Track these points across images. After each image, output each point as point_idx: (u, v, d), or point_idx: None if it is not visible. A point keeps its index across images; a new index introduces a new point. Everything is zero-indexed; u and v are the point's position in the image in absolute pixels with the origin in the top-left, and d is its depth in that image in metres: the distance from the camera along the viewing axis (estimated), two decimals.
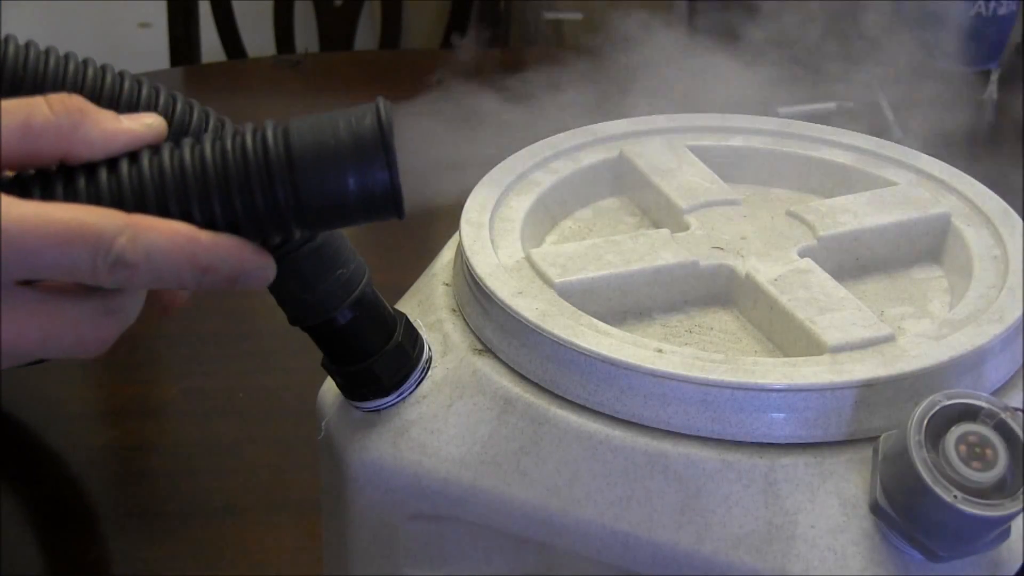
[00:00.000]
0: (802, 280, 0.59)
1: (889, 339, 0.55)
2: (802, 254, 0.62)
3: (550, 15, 2.45)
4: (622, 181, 0.70)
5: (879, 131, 1.09)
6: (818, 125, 0.72)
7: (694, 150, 0.70)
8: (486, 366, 0.57)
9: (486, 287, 0.57)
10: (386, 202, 0.45)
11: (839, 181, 0.69)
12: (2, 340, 0.41)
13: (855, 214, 0.64)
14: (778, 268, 0.60)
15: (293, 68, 1.44)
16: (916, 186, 0.67)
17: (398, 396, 0.58)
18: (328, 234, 0.53)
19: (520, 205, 0.65)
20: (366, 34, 2.19)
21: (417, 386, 0.58)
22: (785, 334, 0.57)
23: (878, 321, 0.56)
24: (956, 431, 0.47)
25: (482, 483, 0.55)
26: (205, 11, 1.76)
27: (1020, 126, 1.06)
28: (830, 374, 0.52)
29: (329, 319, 0.55)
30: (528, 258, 0.60)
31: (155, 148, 0.45)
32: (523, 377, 0.56)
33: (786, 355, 0.57)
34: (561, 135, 0.70)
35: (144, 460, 0.87)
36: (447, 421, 0.56)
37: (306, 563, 0.76)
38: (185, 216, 0.44)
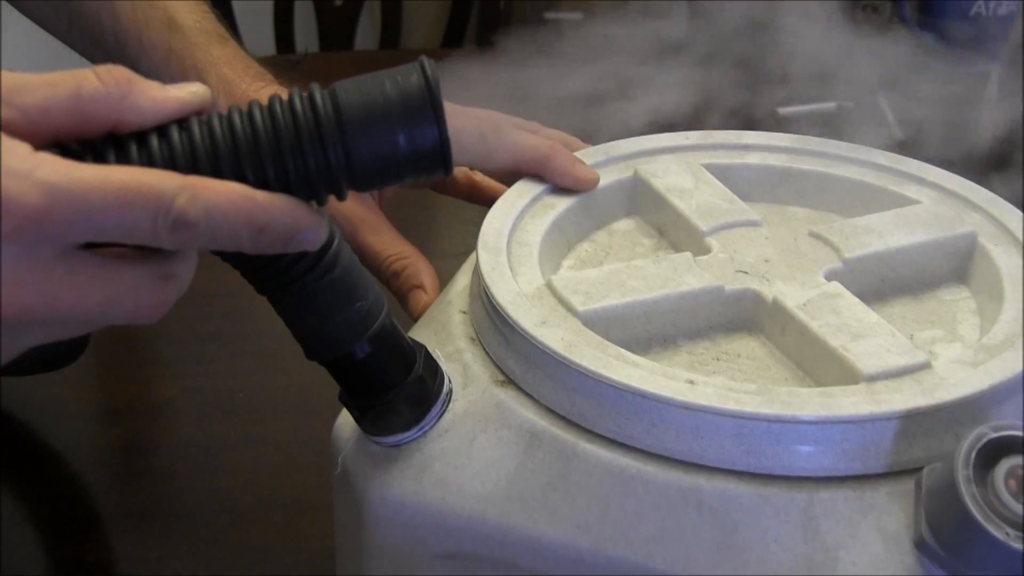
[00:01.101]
0: (832, 305, 0.59)
1: (925, 366, 0.55)
2: (828, 277, 0.62)
3: (550, 15, 2.46)
4: (637, 201, 0.70)
5: (879, 131, 1.11)
6: (835, 141, 0.73)
7: (709, 168, 0.71)
8: (510, 398, 0.57)
9: (508, 317, 0.58)
10: (435, 157, 0.46)
11: (858, 199, 0.70)
12: (65, 304, 0.41)
13: (880, 234, 0.65)
14: (806, 292, 0.60)
15: (293, 68, 1.46)
16: (939, 204, 0.67)
17: (419, 430, 0.57)
18: (346, 266, 0.53)
19: (536, 229, 0.65)
20: (366, 34, 2.20)
21: (438, 420, 0.58)
22: (817, 362, 0.58)
23: (913, 348, 0.56)
24: (1005, 464, 0.48)
25: (509, 520, 0.55)
26: None
27: (1020, 126, 1.08)
28: (869, 405, 0.53)
29: (347, 353, 0.55)
30: (549, 285, 0.60)
31: (205, 115, 0.45)
32: (549, 410, 0.56)
33: (818, 383, 0.58)
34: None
35: (144, 460, 0.88)
36: (471, 456, 0.56)
37: (306, 563, 0.76)
38: (238, 179, 0.45)
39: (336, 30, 1.84)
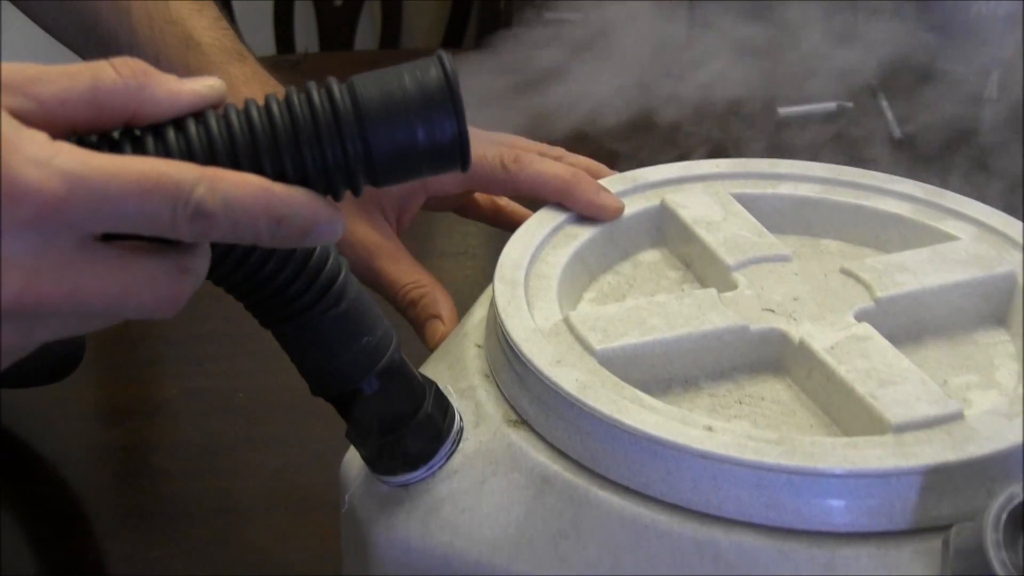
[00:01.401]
0: (861, 348, 0.57)
1: (957, 417, 0.53)
2: (859, 317, 0.60)
3: (550, 15, 2.45)
4: (664, 232, 0.68)
5: (879, 131, 1.10)
6: (871, 172, 0.70)
7: (739, 198, 0.69)
8: (521, 439, 0.56)
9: (522, 354, 0.56)
10: (453, 152, 0.46)
11: (894, 233, 0.68)
12: (83, 294, 0.41)
13: (914, 273, 0.62)
14: (834, 334, 0.58)
15: (293, 68, 1.46)
16: (978, 241, 0.65)
17: (427, 470, 0.56)
18: (353, 299, 0.52)
19: (556, 260, 0.63)
20: (366, 34, 2.21)
21: (447, 460, 0.56)
22: (844, 408, 0.56)
23: (944, 396, 0.54)
24: None
25: (517, 568, 0.53)
26: None
27: (1021, 126, 1.06)
28: (895, 458, 0.51)
29: (353, 390, 0.54)
30: (567, 321, 0.58)
31: (222, 109, 0.45)
32: (562, 453, 0.54)
33: (844, 431, 0.56)
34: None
35: (144, 460, 0.88)
36: (480, 499, 0.55)
37: (306, 563, 0.76)
38: (256, 171, 0.44)
39: (336, 30, 1.85)
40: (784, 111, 1.16)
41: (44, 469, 0.82)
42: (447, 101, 0.45)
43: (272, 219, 0.43)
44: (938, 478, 0.50)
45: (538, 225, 0.65)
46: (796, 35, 1.02)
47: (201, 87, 0.45)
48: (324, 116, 0.45)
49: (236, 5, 1.81)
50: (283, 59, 1.59)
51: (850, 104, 1.17)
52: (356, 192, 0.47)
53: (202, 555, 0.77)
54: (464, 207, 0.77)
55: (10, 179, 0.39)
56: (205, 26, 0.74)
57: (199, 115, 0.45)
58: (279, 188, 0.44)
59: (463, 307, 0.70)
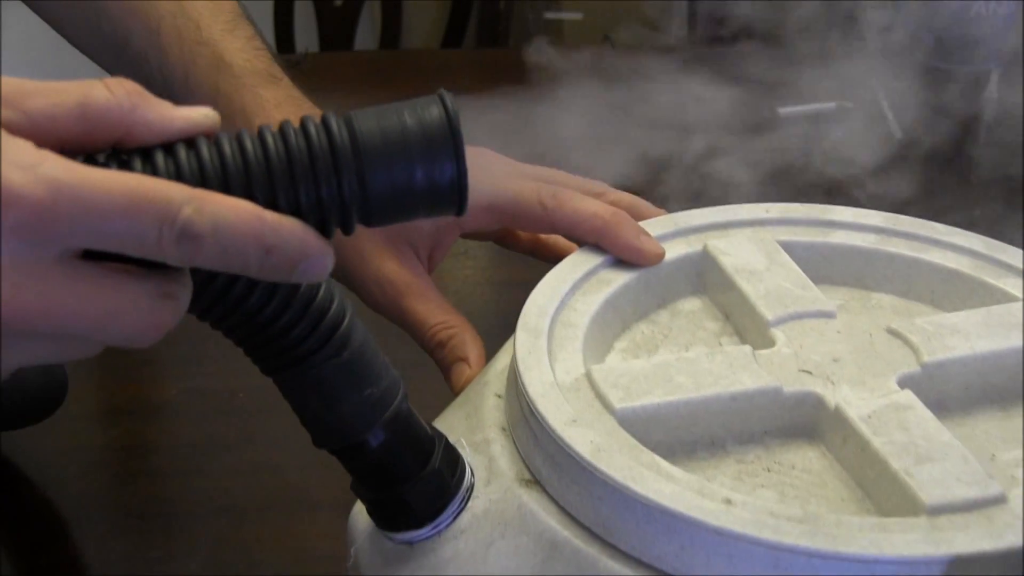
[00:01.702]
0: (900, 419, 0.54)
1: (998, 500, 0.50)
2: (902, 383, 0.57)
3: (550, 15, 2.45)
4: (705, 279, 0.65)
5: (879, 131, 1.07)
6: (930, 222, 0.67)
7: (787, 246, 0.65)
8: (533, 500, 0.53)
9: (537, 411, 0.53)
10: (451, 195, 0.45)
11: (950, 289, 0.64)
12: (64, 311, 0.40)
13: (967, 336, 0.59)
14: (873, 401, 0.55)
15: (293, 68, 1.47)
16: None
17: (433, 528, 0.54)
18: (357, 348, 0.50)
19: (586, 308, 0.61)
20: (366, 34, 2.22)
21: (455, 518, 0.54)
22: (877, 483, 0.52)
23: (987, 476, 0.51)
24: None
25: None
26: None
27: (1020, 126, 1.03)
28: (925, 544, 0.47)
29: (356, 443, 0.52)
30: (588, 376, 0.56)
31: (213, 137, 0.43)
32: (573, 518, 0.52)
33: (877, 507, 0.52)
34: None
35: (144, 460, 0.89)
36: (486, 562, 0.52)
37: (306, 563, 0.75)
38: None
39: (336, 30, 1.86)
40: (784, 111, 1.14)
41: (44, 469, 0.83)
42: (448, 141, 0.44)
43: (262, 247, 0.42)
44: (973, 567, 0.47)
45: (570, 269, 0.62)
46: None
47: (194, 114, 0.44)
48: (321, 150, 0.43)
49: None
50: (283, 59, 1.60)
51: (850, 104, 1.15)
52: (347, 230, 0.45)
53: (202, 555, 0.77)
54: (503, 238, 0.75)
55: None
56: (238, 48, 0.72)
57: (190, 141, 0.43)
58: (270, 216, 0.42)
59: (463, 306, 0.69)
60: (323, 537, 0.75)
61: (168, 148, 0.43)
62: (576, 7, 2.39)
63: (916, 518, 0.49)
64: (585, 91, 1.06)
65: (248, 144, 0.43)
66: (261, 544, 0.77)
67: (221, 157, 0.43)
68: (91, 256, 0.41)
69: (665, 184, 0.96)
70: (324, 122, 0.44)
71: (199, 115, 0.44)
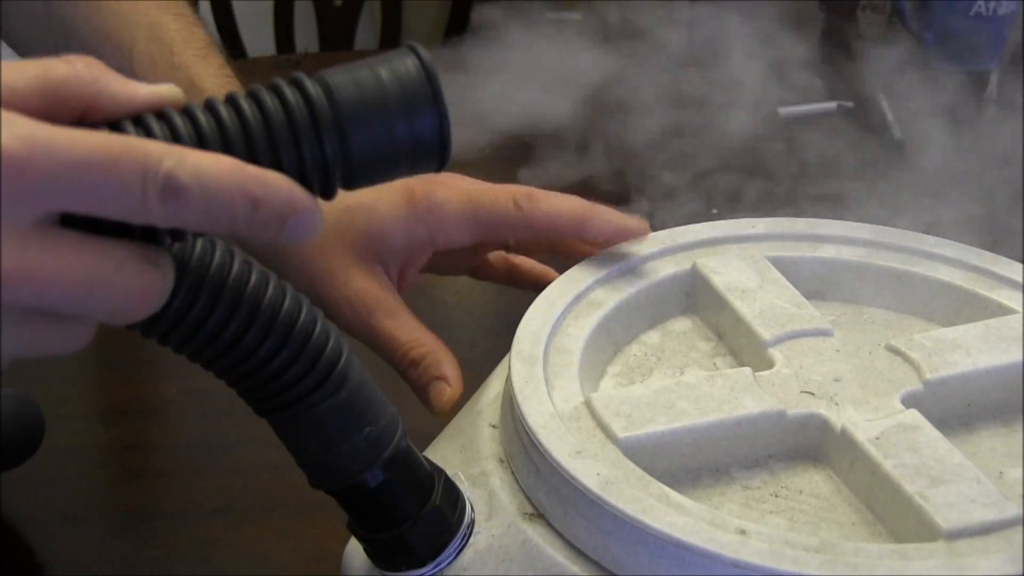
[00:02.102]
0: (909, 440, 0.53)
1: (1016, 522, 0.49)
2: (906, 401, 0.56)
3: (550, 15, 2.45)
4: (696, 299, 0.64)
5: (879, 131, 1.08)
6: (920, 235, 0.66)
7: (777, 262, 0.65)
8: (537, 535, 0.52)
9: (539, 443, 0.52)
10: (433, 145, 0.43)
11: (944, 303, 0.64)
12: (45, 275, 0.38)
13: (967, 351, 0.58)
14: (880, 422, 0.54)
15: (293, 68, 1.46)
16: None
17: (435, 567, 0.52)
18: (354, 387, 0.48)
19: (579, 332, 0.59)
20: (366, 34, 2.22)
21: (457, 555, 0.53)
22: (890, 507, 0.52)
23: (1002, 498, 0.50)
24: None
25: None
26: (205, 11, 1.78)
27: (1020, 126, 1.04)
28: (947, 570, 0.47)
29: (354, 484, 0.50)
30: (588, 405, 0.55)
31: (184, 108, 0.42)
32: (580, 552, 0.50)
33: (890, 531, 0.52)
34: (625, 244, 0.65)
35: (144, 460, 0.89)
36: None
37: (306, 563, 0.76)
38: None
39: (336, 30, 1.85)
40: (784, 111, 1.14)
41: (44, 469, 0.81)
42: (427, 91, 0.43)
43: (248, 199, 0.40)
44: None
45: (559, 293, 0.61)
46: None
47: (161, 88, 0.42)
48: (300, 113, 0.42)
49: (236, 5, 1.82)
50: (283, 59, 1.59)
51: (850, 104, 1.15)
52: (328, 193, 0.43)
53: (202, 555, 0.77)
54: (477, 269, 0.74)
55: None
56: (210, 73, 0.70)
57: (160, 113, 0.41)
58: (253, 168, 0.40)
59: (463, 306, 0.68)
60: (323, 537, 0.74)
61: (137, 119, 0.41)
62: (576, 7, 2.38)
63: (934, 543, 0.48)
64: None
65: (221, 110, 0.41)
66: (261, 544, 0.77)
67: (194, 123, 0.41)
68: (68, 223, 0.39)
69: None
70: (296, 82, 0.42)
71: (165, 89, 0.42)
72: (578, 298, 0.61)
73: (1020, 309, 0.61)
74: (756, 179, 0.94)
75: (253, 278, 0.45)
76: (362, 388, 0.49)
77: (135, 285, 0.40)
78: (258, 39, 1.91)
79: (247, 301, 0.44)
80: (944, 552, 0.48)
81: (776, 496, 0.54)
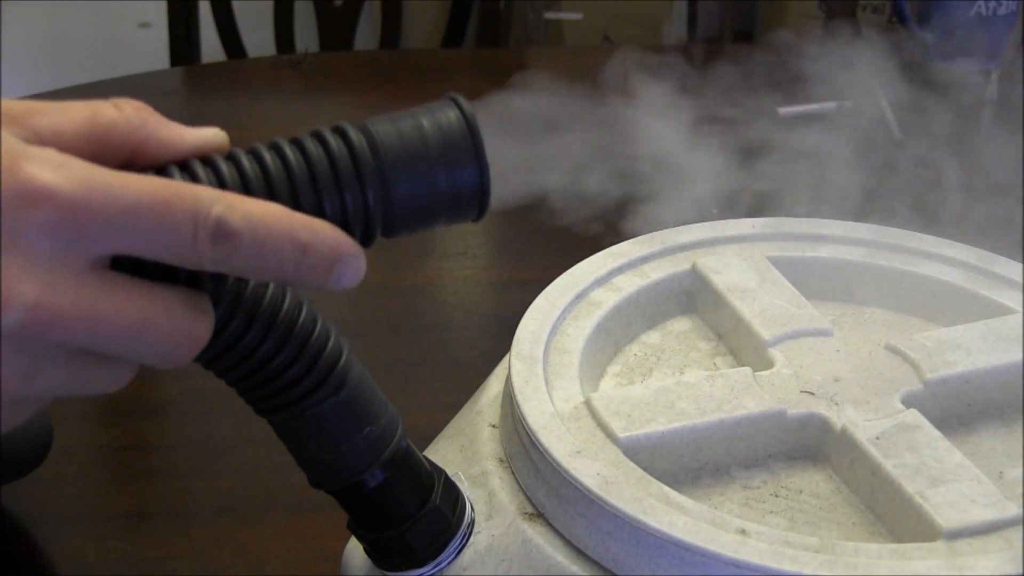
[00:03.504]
0: (909, 440, 0.54)
1: (1016, 522, 0.50)
2: (906, 401, 0.56)
3: (550, 15, 2.46)
4: (695, 299, 0.65)
5: (879, 131, 1.08)
6: (919, 234, 0.67)
7: (776, 262, 0.65)
8: (538, 535, 0.52)
9: (539, 443, 0.53)
10: (473, 199, 0.44)
11: (944, 303, 0.64)
12: (99, 315, 0.38)
13: (967, 351, 0.59)
14: (880, 422, 0.55)
15: (293, 68, 1.47)
16: None
17: (435, 567, 0.53)
18: (355, 387, 0.49)
19: (578, 332, 0.60)
20: (366, 34, 2.23)
21: (457, 555, 0.53)
22: (890, 507, 0.52)
23: (1002, 498, 0.51)
24: None
25: None
26: (205, 11, 1.79)
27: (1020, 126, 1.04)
28: (947, 570, 0.47)
29: (354, 483, 0.51)
30: (588, 404, 0.55)
31: (228, 154, 0.43)
32: (581, 552, 0.51)
33: (890, 531, 0.52)
34: (625, 244, 0.65)
35: (144, 460, 0.89)
36: None
37: (305, 563, 0.76)
38: None
39: (336, 30, 1.86)
40: (784, 111, 1.14)
41: (44, 469, 0.81)
42: (468, 144, 0.43)
43: (298, 245, 0.41)
44: None
45: (559, 293, 0.62)
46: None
47: (207, 132, 0.43)
48: (343, 161, 0.42)
49: (236, 5, 1.83)
50: (283, 59, 1.60)
51: (850, 104, 1.16)
52: (368, 242, 0.44)
53: (202, 555, 0.77)
54: None
55: (25, 180, 0.37)
56: None
57: (205, 158, 0.42)
58: (300, 215, 0.41)
59: (463, 306, 0.68)
60: (323, 537, 0.75)
61: (182, 164, 0.42)
62: (576, 7, 2.39)
63: (934, 543, 0.49)
64: None
65: (266, 156, 0.42)
66: (261, 544, 0.78)
67: (239, 169, 0.42)
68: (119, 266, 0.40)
69: None
70: (340, 130, 0.43)
71: (211, 133, 0.43)
72: (578, 298, 0.62)
73: (1020, 309, 0.62)
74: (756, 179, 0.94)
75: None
76: (362, 388, 0.49)
77: (183, 330, 0.41)
78: (258, 39, 1.92)
79: (247, 301, 0.45)
80: (944, 552, 0.48)
81: (776, 496, 0.54)
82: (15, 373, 0.38)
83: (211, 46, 1.84)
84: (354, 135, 0.43)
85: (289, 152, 0.42)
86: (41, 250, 0.37)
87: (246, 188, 0.42)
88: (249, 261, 0.40)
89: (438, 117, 0.44)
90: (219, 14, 1.82)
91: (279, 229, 0.40)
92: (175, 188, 0.39)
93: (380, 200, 0.43)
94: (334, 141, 0.43)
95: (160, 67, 1.69)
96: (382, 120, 0.44)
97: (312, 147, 0.43)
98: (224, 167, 0.42)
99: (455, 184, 0.43)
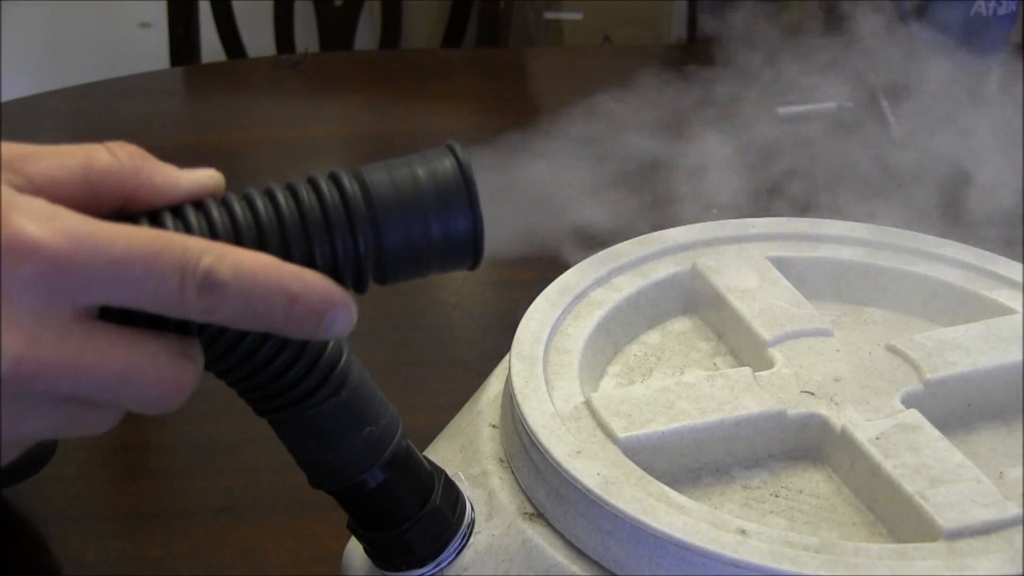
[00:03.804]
0: (909, 440, 0.54)
1: (1016, 522, 0.50)
2: (906, 401, 0.57)
3: (550, 15, 2.46)
4: (695, 298, 0.65)
5: (879, 131, 1.08)
6: (919, 234, 0.67)
7: (776, 262, 0.65)
8: (538, 535, 0.52)
9: (539, 443, 0.53)
10: (467, 248, 0.44)
11: (944, 303, 0.64)
12: (84, 366, 0.39)
13: (967, 351, 0.59)
14: (879, 422, 0.55)
15: (293, 68, 1.47)
16: None
17: (435, 567, 0.53)
18: (355, 387, 0.49)
19: (579, 332, 0.60)
20: (366, 34, 2.23)
21: (457, 555, 0.53)
22: (890, 507, 0.52)
23: (1002, 498, 0.51)
24: None
25: None
26: (205, 11, 1.79)
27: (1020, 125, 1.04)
28: (947, 570, 0.47)
29: (355, 484, 0.51)
30: (588, 404, 0.55)
31: (222, 199, 0.43)
32: (581, 552, 0.51)
33: (890, 531, 0.52)
34: (625, 244, 0.65)
35: (144, 460, 0.89)
36: None
37: (305, 563, 0.76)
38: None
39: (336, 30, 1.86)
40: (783, 111, 1.14)
41: (44, 469, 0.81)
42: (462, 193, 0.43)
43: (286, 295, 0.41)
44: None
45: (559, 293, 0.62)
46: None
47: (201, 175, 0.43)
48: (333, 204, 0.42)
49: (236, 5, 1.82)
50: (283, 59, 1.60)
51: (850, 104, 1.16)
52: (360, 288, 0.44)
53: (202, 555, 0.77)
54: None
55: (12, 234, 0.37)
56: None
57: (198, 203, 0.42)
58: (289, 265, 0.41)
59: (463, 306, 0.68)
60: (323, 537, 0.75)
61: (176, 210, 0.42)
62: (576, 7, 2.39)
63: (934, 543, 0.49)
64: None
65: (258, 202, 0.42)
66: (261, 544, 0.78)
67: (231, 216, 0.42)
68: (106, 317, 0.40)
69: None
70: (334, 177, 0.43)
71: (205, 176, 0.43)
72: (578, 298, 0.62)
73: (1020, 309, 0.62)
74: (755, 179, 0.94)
75: None
76: (362, 388, 0.49)
77: (169, 376, 0.41)
78: (258, 39, 1.92)
79: None
80: (944, 552, 0.48)
81: (776, 496, 0.54)
82: (3, 419, 0.39)
83: (211, 46, 1.84)
84: (347, 182, 0.43)
85: (281, 198, 0.43)
86: (27, 302, 0.38)
87: (237, 235, 0.42)
88: (237, 312, 0.40)
89: (434, 166, 0.44)
90: (219, 14, 1.82)
91: (268, 280, 0.40)
92: (164, 239, 0.39)
93: (372, 247, 0.43)
94: (327, 188, 0.43)
95: (160, 67, 1.69)
96: (377, 167, 0.44)
97: (304, 194, 0.43)
98: (216, 213, 0.42)
99: (448, 232, 0.44)
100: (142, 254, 0.38)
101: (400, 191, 0.43)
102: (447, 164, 0.44)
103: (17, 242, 0.37)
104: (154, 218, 0.41)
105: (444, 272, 0.45)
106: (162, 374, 0.40)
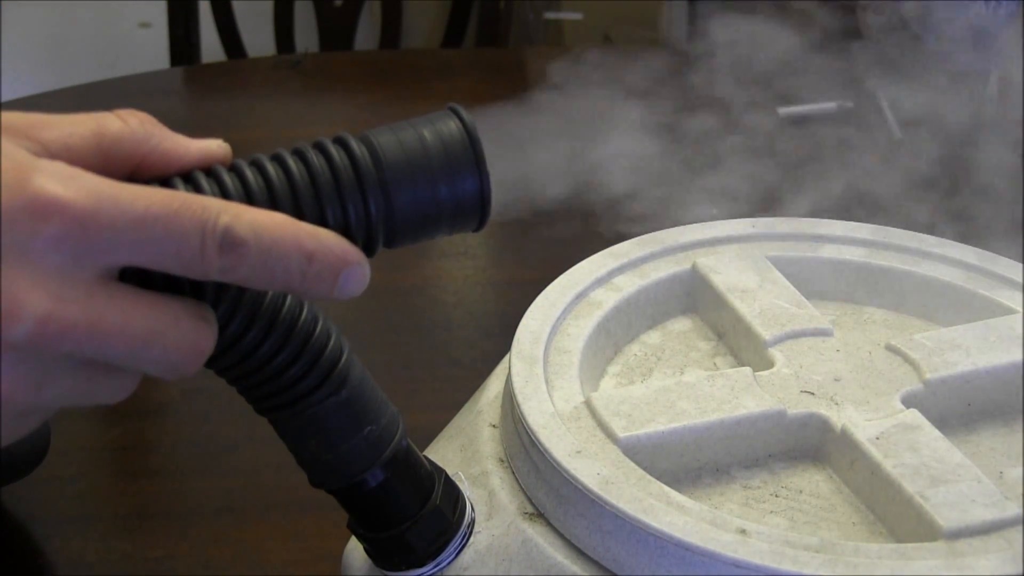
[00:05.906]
0: (909, 439, 0.54)
1: (1016, 522, 0.50)
2: (906, 401, 0.57)
3: (550, 15, 2.46)
4: (695, 298, 0.65)
5: (879, 131, 1.08)
6: (919, 235, 0.67)
7: (776, 261, 0.65)
8: (538, 535, 0.52)
9: (539, 443, 0.53)
10: (474, 209, 0.44)
11: (944, 303, 0.64)
12: (109, 326, 0.39)
13: (967, 351, 0.59)
14: (880, 422, 0.55)
15: (293, 68, 1.47)
16: None
17: (435, 566, 0.53)
18: (356, 387, 0.49)
19: (579, 332, 0.60)
20: (366, 34, 2.23)
21: (457, 555, 0.53)
22: (890, 507, 0.52)
23: (1003, 498, 0.51)
24: None
25: None
26: (205, 11, 1.79)
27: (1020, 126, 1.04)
28: (947, 570, 0.47)
29: (355, 483, 0.51)
30: (588, 404, 0.55)
31: (231, 165, 0.43)
32: (581, 552, 0.51)
33: (890, 531, 0.52)
34: (625, 244, 0.65)
35: (144, 460, 0.89)
36: None
37: (306, 563, 0.76)
38: None
39: (336, 30, 1.87)
40: (784, 111, 1.14)
41: (44, 469, 0.81)
42: (469, 154, 0.44)
43: (303, 253, 0.41)
44: None
45: (559, 293, 0.62)
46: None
47: (210, 144, 0.43)
48: (344, 171, 0.43)
49: (236, 5, 1.83)
50: (283, 59, 1.60)
51: (850, 104, 1.16)
52: (370, 252, 0.44)
53: (202, 555, 0.77)
54: None
55: (35, 193, 0.37)
56: None
57: (209, 169, 0.43)
58: (305, 224, 0.41)
59: (463, 306, 0.68)
60: (323, 537, 0.75)
61: (187, 176, 0.42)
62: (576, 7, 2.40)
63: (934, 543, 0.49)
64: None
65: (268, 166, 0.42)
66: (261, 544, 0.78)
67: (242, 180, 0.42)
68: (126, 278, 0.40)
69: None
70: (341, 141, 0.43)
71: (214, 145, 0.43)
72: (578, 298, 0.62)
73: (1020, 309, 0.62)
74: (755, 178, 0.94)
75: None
76: (363, 387, 0.49)
77: (189, 339, 0.41)
78: (258, 39, 1.92)
79: (249, 301, 0.45)
80: (944, 552, 0.48)
81: (776, 496, 0.54)
82: (24, 383, 0.39)
83: (211, 46, 1.84)
84: (355, 145, 0.43)
85: (291, 162, 0.43)
86: (51, 262, 0.38)
87: (249, 198, 0.42)
88: (256, 270, 0.40)
89: (439, 127, 0.44)
90: (219, 14, 1.82)
91: (285, 238, 0.41)
92: (182, 199, 0.39)
93: (382, 210, 0.43)
94: (336, 151, 0.43)
95: (160, 67, 1.70)
96: (382, 130, 0.44)
97: (314, 157, 0.43)
98: (227, 178, 0.42)
99: (456, 193, 0.44)
100: (163, 213, 0.39)
101: (408, 154, 0.43)
102: (452, 126, 0.44)
103: (41, 202, 0.37)
104: (165, 183, 0.42)
105: (450, 233, 0.45)
106: (183, 337, 0.41)
